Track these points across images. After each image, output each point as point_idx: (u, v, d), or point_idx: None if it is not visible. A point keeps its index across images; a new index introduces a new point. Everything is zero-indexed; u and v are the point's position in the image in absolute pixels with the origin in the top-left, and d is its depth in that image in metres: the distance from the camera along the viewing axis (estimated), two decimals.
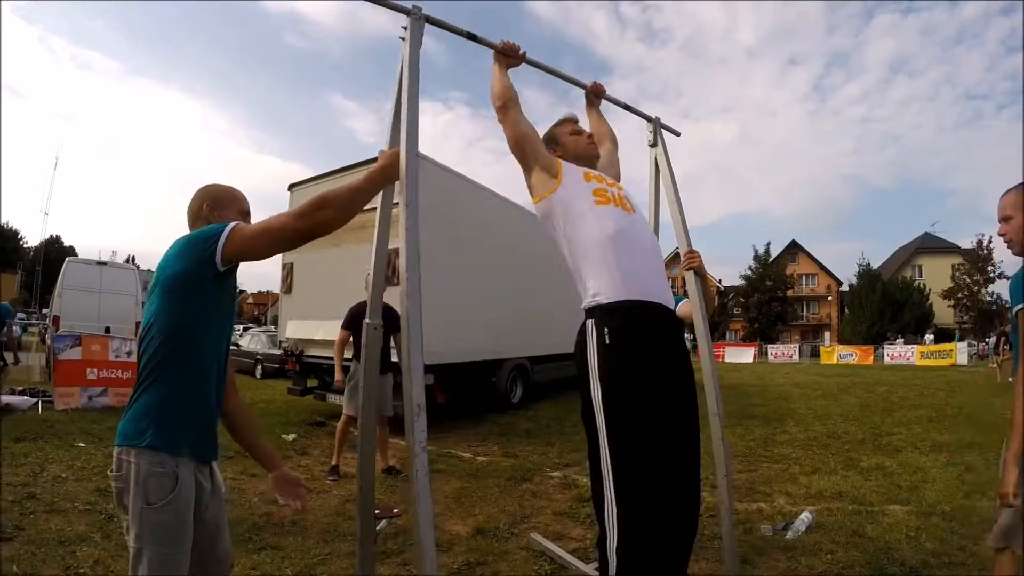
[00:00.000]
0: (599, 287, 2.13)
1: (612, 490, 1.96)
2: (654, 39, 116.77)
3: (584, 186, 2.25)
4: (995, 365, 18.74)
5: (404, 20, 2.27)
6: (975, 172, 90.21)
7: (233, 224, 1.74)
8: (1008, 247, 2.51)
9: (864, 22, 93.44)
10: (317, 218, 1.71)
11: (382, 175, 2.03)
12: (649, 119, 3.31)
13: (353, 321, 5.94)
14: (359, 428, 2.43)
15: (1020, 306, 2.29)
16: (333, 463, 5.85)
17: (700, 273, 3.13)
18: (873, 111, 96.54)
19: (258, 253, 1.73)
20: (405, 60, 2.24)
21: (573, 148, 2.47)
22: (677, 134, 3.44)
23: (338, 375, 5.99)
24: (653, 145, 3.30)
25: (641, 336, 2.07)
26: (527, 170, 2.30)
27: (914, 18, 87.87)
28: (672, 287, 2.51)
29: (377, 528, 2.43)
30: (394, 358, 6.01)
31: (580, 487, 5.36)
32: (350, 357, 6.05)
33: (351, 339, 5.97)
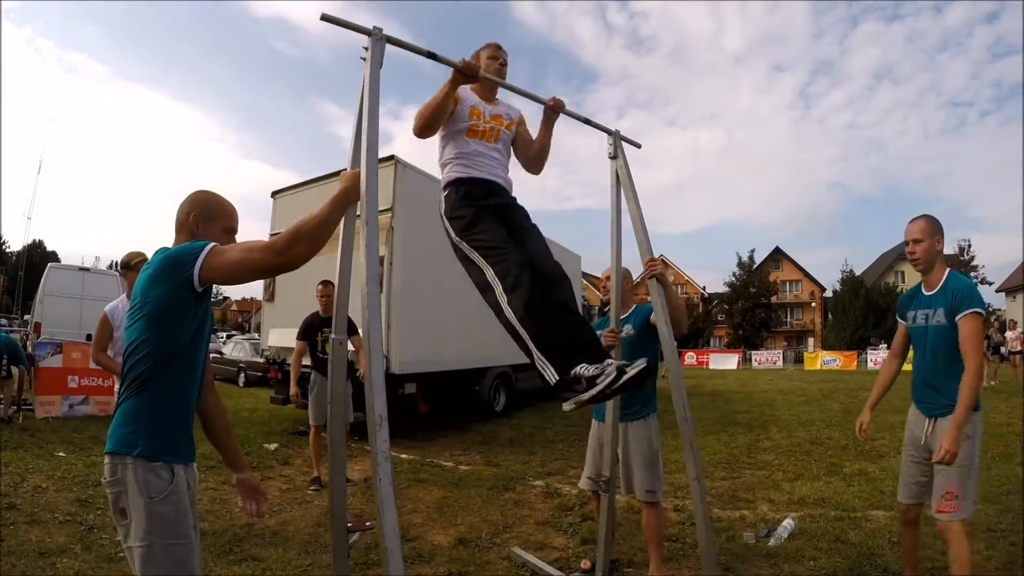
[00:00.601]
0: (448, 173, 2.78)
1: (486, 264, 2.53)
2: (640, 46, 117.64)
3: (465, 123, 2.78)
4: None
5: (365, 41, 2.29)
6: (958, 179, 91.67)
7: (210, 247, 1.78)
8: (915, 265, 3.12)
9: (849, 28, 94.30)
10: (292, 254, 1.80)
11: (345, 198, 2.09)
12: (609, 132, 3.31)
13: (308, 332, 5.99)
14: (329, 441, 2.41)
15: (972, 310, 2.87)
16: (314, 474, 5.79)
17: (662, 280, 3.18)
18: (858, 118, 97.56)
19: (232, 282, 1.86)
20: (366, 80, 2.26)
21: (484, 67, 2.85)
22: (638, 146, 3.45)
23: (293, 388, 5.90)
24: (614, 157, 3.32)
25: (474, 188, 2.72)
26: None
27: (899, 25, 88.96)
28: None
29: (351, 541, 2.42)
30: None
31: (563, 496, 5.35)
32: (308, 364, 6.07)
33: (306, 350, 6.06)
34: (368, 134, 2.14)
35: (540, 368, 2.34)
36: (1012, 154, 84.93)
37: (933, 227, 3.06)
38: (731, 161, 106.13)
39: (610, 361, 2.24)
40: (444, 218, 2.74)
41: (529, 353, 2.37)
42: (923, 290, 3.15)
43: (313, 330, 5.97)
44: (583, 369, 2.23)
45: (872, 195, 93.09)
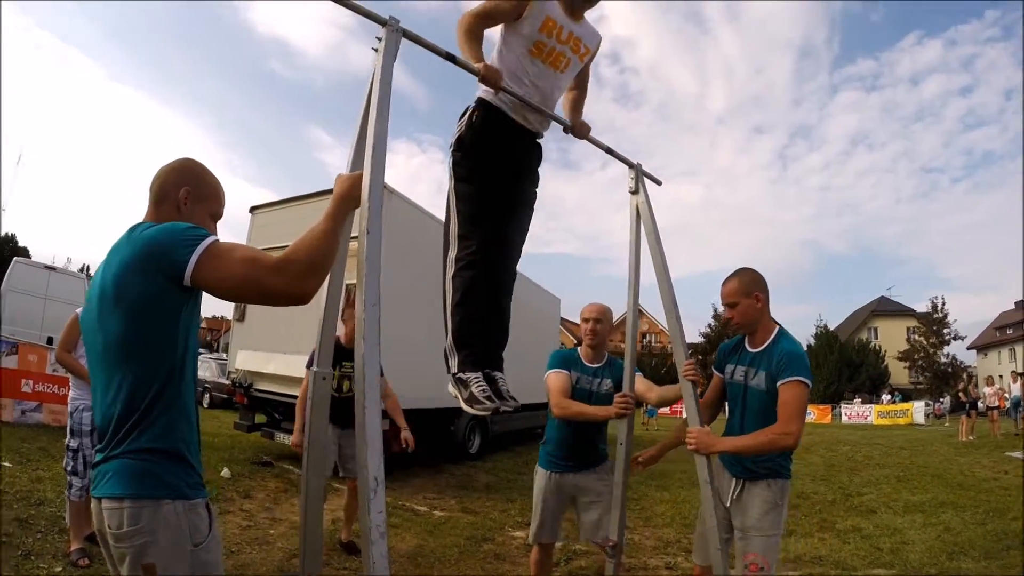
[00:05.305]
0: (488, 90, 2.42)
1: (457, 224, 2.40)
2: (628, 100, 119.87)
3: (534, 33, 2.41)
4: (951, 423, 18.85)
5: (379, 31, 2.05)
6: (930, 241, 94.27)
7: (210, 243, 1.46)
8: (737, 330, 2.88)
9: (828, 96, 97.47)
10: (308, 287, 1.51)
11: (344, 206, 1.73)
12: (631, 164, 3.09)
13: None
14: (301, 490, 2.04)
15: (796, 378, 2.57)
16: (342, 538, 4.79)
17: (697, 384, 2.90)
18: (833, 180, 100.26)
19: (225, 296, 1.50)
20: (377, 71, 1.98)
21: None
22: (658, 183, 3.23)
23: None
24: (634, 192, 3.08)
25: (501, 135, 2.43)
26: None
27: (876, 96, 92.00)
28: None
29: None
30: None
31: None
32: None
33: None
34: (376, 130, 1.83)
35: (447, 351, 2.45)
36: (980, 218, 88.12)
37: (747, 285, 2.79)
38: (708, 216, 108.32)
39: (493, 399, 2.29)
40: (455, 140, 2.46)
41: (445, 330, 2.44)
42: (747, 344, 2.87)
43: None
44: (476, 384, 2.31)
45: (844, 254, 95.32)
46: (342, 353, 4.68)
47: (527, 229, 2.66)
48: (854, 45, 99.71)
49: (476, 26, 2.32)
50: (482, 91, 2.45)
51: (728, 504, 2.77)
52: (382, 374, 4.92)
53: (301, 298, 1.50)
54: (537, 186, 2.67)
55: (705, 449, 2.60)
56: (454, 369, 2.40)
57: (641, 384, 3.23)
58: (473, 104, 2.47)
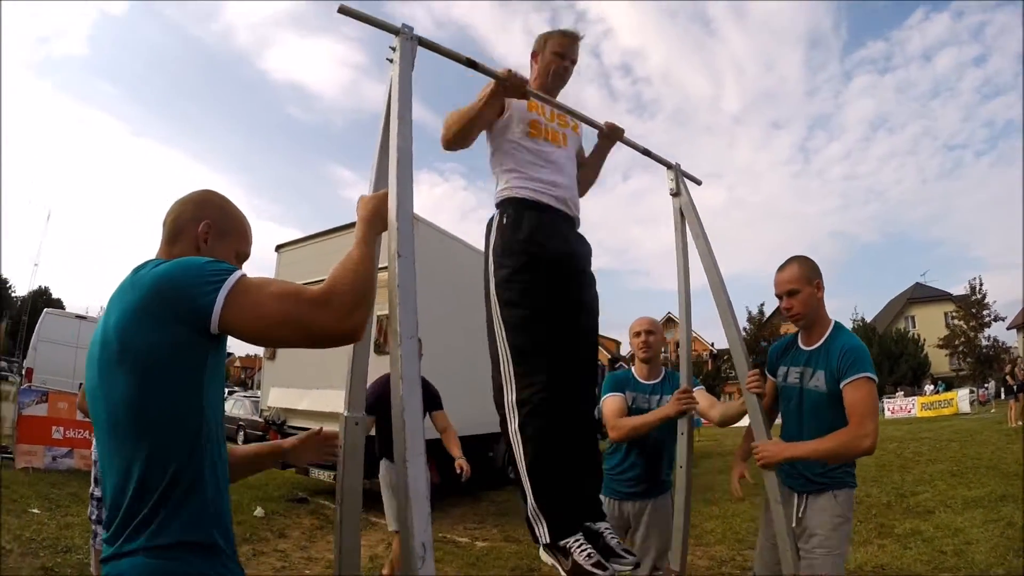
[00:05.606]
0: (508, 185, 2.29)
1: (509, 360, 2.14)
2: (644, 111, 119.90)
3: (525, 114, 2.33)
4: (997, 409, 18.27)
5: (393, 40, 1.95)
6: (960, 219, 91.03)
7: (238, 279, 1.21)
8: (795, 321, 2.65)
9: (843, 84, 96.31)
10: (356, 320, 1.29)
11: (372, 226, 1.54)
12: (669, 165, 2.94)
13: (378, 403, 3.83)
14: (335, 537, 1.88)
15: (864, 374, 2.39)
16: None
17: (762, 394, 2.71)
18: (856, 168, 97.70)
19: (257, 340, 1.26)
20: (394, 82, 1.88)
21: (545, 66, 2.47)
22: (698, 182, 3.08)
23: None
24: (676, 194, 2.92)
25: (538, 224, 2.23)
26: None
27: (890, 77, 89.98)
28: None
29: None
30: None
31: None
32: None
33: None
34: (399, 140, 1.72)
35: (532, 519, 2.10)
36: (1008, 190, 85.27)
37: (809, 271, 2.60)
38: (732, 217, 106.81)
39: (603, 564, 1.98)
40: (490, 257, 2.25)
41: (521, 490, 2.11)
42: (800, 343, 2.68)
43: (387, 401, 3.38)
44: (579, 550, 1.99)
45: (874, 242, 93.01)
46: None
47: (597, 342, 2.43)
48: (862, 28, 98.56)
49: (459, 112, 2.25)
50: (501, 191, 2.33)
51: (794, 524, 2.56)
52: (441, 407, 4.75)
53: (352, 334, 1.28)
54: (595, 285, 2.49)
55: (774, 458, 2.40)
56: (545, 539, 2.07)
57: (703, 400, 3.03)
58: (497, 210, 2.32)
